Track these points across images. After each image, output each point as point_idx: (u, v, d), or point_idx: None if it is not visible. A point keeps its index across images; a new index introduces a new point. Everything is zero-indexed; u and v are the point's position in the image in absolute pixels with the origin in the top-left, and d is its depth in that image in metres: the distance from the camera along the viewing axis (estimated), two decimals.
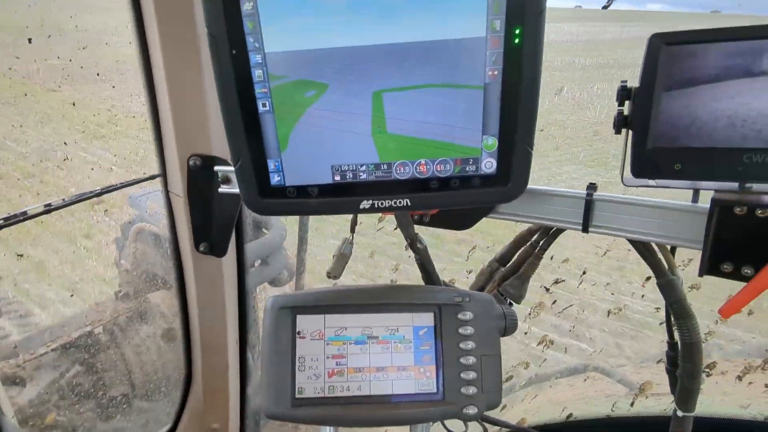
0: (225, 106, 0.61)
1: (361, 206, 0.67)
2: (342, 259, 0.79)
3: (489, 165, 0.65)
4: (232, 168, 1.04)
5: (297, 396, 0.71)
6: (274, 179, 0.66)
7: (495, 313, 0.71)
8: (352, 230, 0.81)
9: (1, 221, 0.98)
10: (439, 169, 0.65)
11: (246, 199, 0.68)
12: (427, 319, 0.71)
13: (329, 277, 0.78)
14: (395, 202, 0.66)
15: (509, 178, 0.65)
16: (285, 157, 0.65)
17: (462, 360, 0.70)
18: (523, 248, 0.81)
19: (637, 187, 0.64)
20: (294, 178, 0.66)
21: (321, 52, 0.59)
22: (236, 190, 1.03)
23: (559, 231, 0.76)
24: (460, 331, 0.70)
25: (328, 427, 0.78)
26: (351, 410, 0.70)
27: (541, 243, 0.78)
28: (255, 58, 0.59)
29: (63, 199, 1.03)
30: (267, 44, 0.59)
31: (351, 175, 0.66)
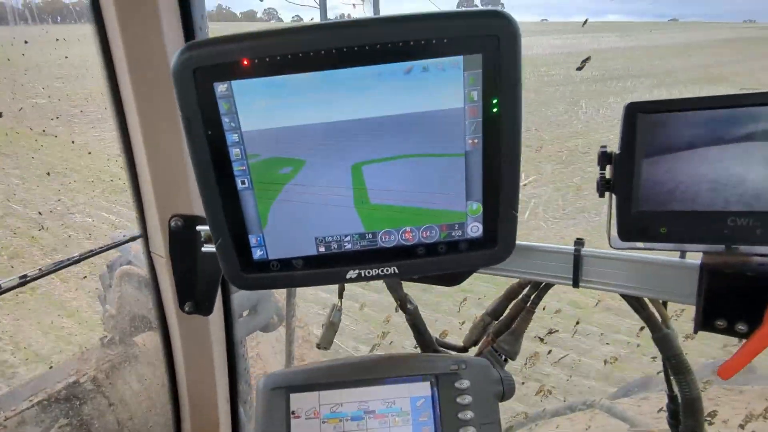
0: (203, 184, 0.60)
1: (348, 276, 0.65)
2: (331, 328, 0.77)
3: (475, 229, 0.64)
4: None
5: None
6: (257, 254, 0.65)
7: (492, 379, 0.69)
8: (340, 296, 0.79)
9: None
10: (425, 235, 0.64)
11: (228, 275, 0.66)
12: (423, 389, 0.69)
13: (319, 348, 0.76)
14: (382, 271, 0.65)
15: (496, 241, 0.64)
16: (267, 232, 0.64)
17: (461, 431, 0.68)
18: (514, 302, 0.79)
19: (624, 249, 0.63)
20: (277, 251, 0.65)
21: (297, 128, 0.58)
22: None
23: (549, 285, 0.75)
24: (458, 400, 0.68)
25: None
26: None
27: (532, 297, 0.77)
28: (231, 138, 0.58)
29: (39, 269, 1.00)
30: (243, 124, 0.58)
31: (336, 246, 0.65)
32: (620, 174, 0.58)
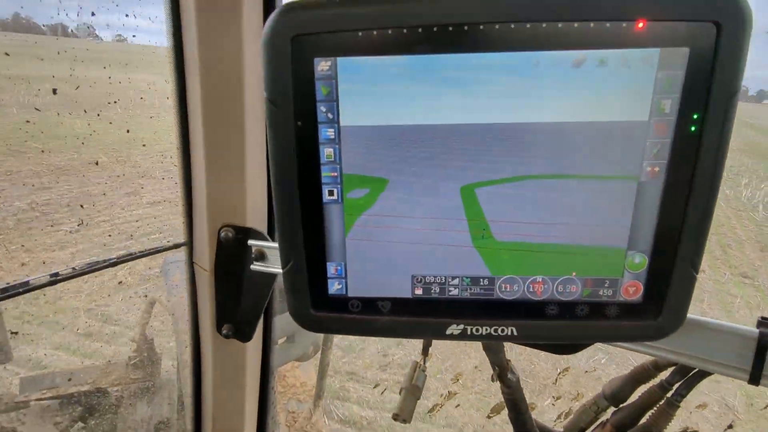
0: (281, 192, 0.46)
1: (449, 332, 0.49)
2: (413, 393, 0.60)
3: (632, 290, 0.46)
4: (268, 243, 0.89)
5: None
6: (333, 288, 0.50)
7: None
8: (425, 352, 0.62)
9: None
10: (560, 289, 0.47)
11: (294, 311, 0.51)
12: None
13: (397, 420, 0.59)
14: (496, 330, 0.48)
15: (660, 309, 0.46)
16: (350, 261, 0.49)
17: None
18: (648, 387, 0.60)
19: None
20: (360, 287, 0.50)
21: (407, 129, 0.44)
22: (271, 269, 0.87)
23: (705, 374, 0.56)
24: None
25: None
26: None
27: (676, 386, 0.58)
28: (326, 133, 0.44)
29: (73, 268, 0.89)
30: (343, 116, 0.44)
31: (437, 290, 0.49)
32: None
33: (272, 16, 0.41)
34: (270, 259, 0.88)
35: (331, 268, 0.49)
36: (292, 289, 0.50)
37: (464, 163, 0.45)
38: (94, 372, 2.10)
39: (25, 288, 0.84)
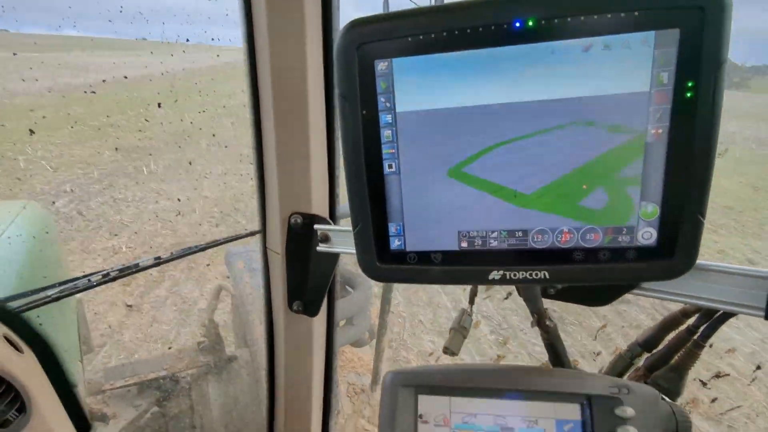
0: (351, 167, 0.59)
1: (491, 277, 0.59)
2: (461, 332, 0.71)
3: (647, 236, 0.55)
4: (331, 227, 1.03)
5: None
6: (394, 244, 0.61)
7: (663, 413, 0.58)
8: (471, 301, 0.73)
9: (117, 272, 1.01)
10: (585, 237, 0.56)
11: (363, 265, 0.63)
12: (572, 411, 0.60)
13: (446, 352, 0.70)
14: (530, 274, 0.58)
15: (673, 251, 0.54)
16: (407, 222, 0.60)
17: None
18: (675, 333, 0.67)
19: None
20: (416, 243, 0.61)
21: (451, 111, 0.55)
22: (335, 250, 1.00)
23: (728, 316, 0.63)
24: (619, 431, 0.57)
25: None
26: None
27: (702, 329, 0.65)
28: (385, 119, 0.56)
29: (171, 253, 1.06)
30: (398, 104, 0.56)
31: (480, 243, 0.59)
32: None
33: (341, 31, 0.54)
34: (333, 241, 1.01)
35: (392, 228, 0.61)
36: (361, 246, 0.62)
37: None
38: (168, 359, 2.33)
39: (136, 268, 1.02)
